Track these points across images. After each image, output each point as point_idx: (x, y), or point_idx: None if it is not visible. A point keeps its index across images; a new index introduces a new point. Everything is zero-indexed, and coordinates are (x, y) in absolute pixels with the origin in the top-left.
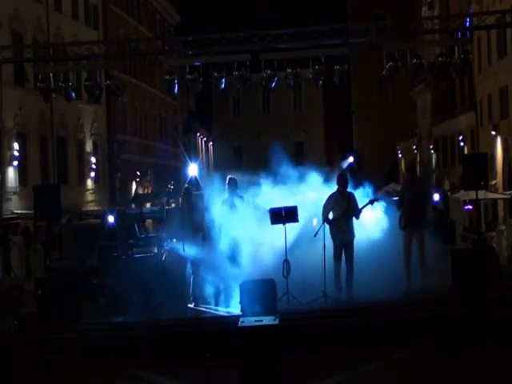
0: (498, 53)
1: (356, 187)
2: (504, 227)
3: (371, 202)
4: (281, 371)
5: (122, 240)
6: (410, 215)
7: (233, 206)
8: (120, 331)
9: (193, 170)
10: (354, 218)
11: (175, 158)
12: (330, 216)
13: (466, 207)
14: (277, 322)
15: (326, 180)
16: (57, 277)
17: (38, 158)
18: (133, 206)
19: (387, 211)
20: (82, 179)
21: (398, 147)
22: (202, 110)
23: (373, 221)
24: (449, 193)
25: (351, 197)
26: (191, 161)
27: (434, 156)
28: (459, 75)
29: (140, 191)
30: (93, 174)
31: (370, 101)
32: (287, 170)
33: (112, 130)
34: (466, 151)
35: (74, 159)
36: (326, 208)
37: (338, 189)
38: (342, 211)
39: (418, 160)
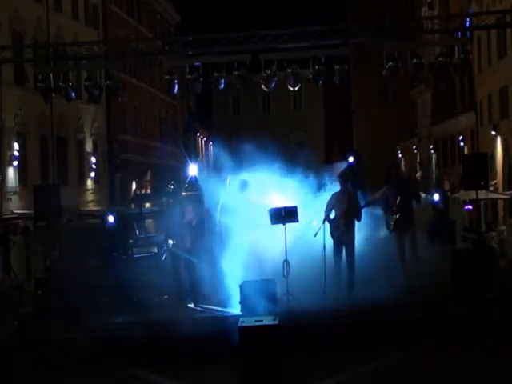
0: (498, 53)
1: (355, 187)
2: (504, 227)
3: (368, 204)
4: (281, 371)
5: (122, 240)
6: (399, 216)
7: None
8: (120, 331)
9: (193, 169)
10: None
11: (175, 158)
12: (332, 215)
13: (466, 207)
14: (277, 322)
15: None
16: (57, 277)
17: (38, 158)
18: (132, 206)
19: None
20: (82, 179)
21: (397, 147)
22: (202, 110)
23: (372, 221)
24: (449, 193)
25: (353, 196)
26: (191, 161)
27: (434, 156)
28: (459, 75)
29: (139, 191)
30: (93, 174)
31: (370, 101)
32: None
33: (112, 130)
34: (466, 151)
35: (74, 159)
36: (328, 206)
37: (340, 188)
38: (341, 211)
39: (418, 160)
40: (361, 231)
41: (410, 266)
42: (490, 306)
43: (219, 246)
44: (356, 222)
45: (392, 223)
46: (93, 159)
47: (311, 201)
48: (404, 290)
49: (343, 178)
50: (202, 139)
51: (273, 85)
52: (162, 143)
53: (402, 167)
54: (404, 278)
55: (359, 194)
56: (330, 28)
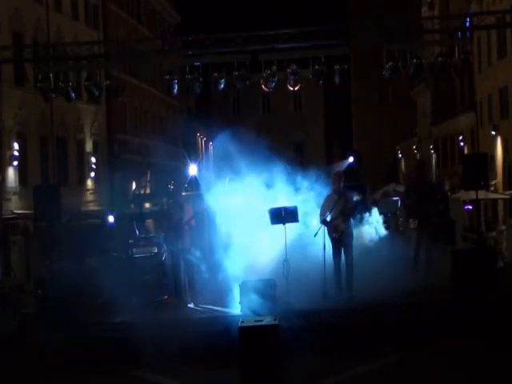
0: (498, 53)
1: (355, 187)
2: (504, 227)
3: (362, 201)
4: (281, 371)
5: (122, 240)
6: (420, 215)
7: None
8: (120, 331)
9: (193, 170)
10: (351, 219)
11: (175, 157)
12: (328, 217)
13: (466, 207)
14: (277, 322)
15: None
16: (57, 277)
17: (38, 158)
18: (132, 206)
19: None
20: (82, 179)
21: (397, 147)
22: (202, 110)
23: (372, 221)
24: (449, 193)
25: (347, 196)
26: (191, 161)
27: (434, 156)
28: (459, 75)
29: (138, 191)
30: (93, 174)
31: (370, 101)
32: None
33: (112, 130)
34: (466, 151)
35: (74, 159)
36: (324, 209)
37: (333, 188)
38: (339, 210)
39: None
40: (360, 231)
41: (422, 266)
42: (490, 306)
43: (219, 246)
44: (352, 220)
45: (412, 221)
46: (93, 159)
47: (309, 201)
48: (408, 292)
49: (337, 178)
50: (201, 139)
51: (273, 85)
52: (162, 143)
53: (402, 167)
54: (411, 278)
55: (360, 194)
56: (329, 28)
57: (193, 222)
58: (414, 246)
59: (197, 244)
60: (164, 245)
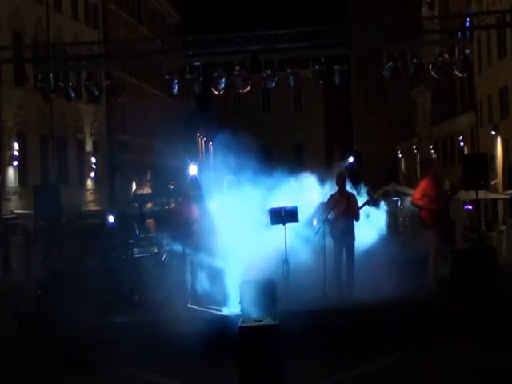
0: (498, 53)
1: (355, 187)
2: (504, 227)
3: (367, 203)
4: (281, 371)
5: (122, 240)
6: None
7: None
8: (120, 331)
9: (193, 170)
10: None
11: (175, 157)
12: (330, 216)
13: (466, 207)
14: (277, 322)
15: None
16: (57, 277)
17: (38, 157)
18: (132, 205)
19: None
20: (82, 179)
21: (397, 147)
22: (202, 110)
23: (372, 221)
24: (449, 193)
25: (351, 197)
26: (191, 161)
27: (434, 156)
28: (459, 75)
29: (138, 191)
30: (93, 174)
31: (370, 101)
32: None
33: (112, 130)
34: (466, 151)
35: (74, 159)
36: (327, 207)
37: (338, 188)
38: (340, 211)
39: (419, 160)
40: (362, 231)
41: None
42: (490, 305)
43: (218, 246)
44: (355, 221)
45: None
46: (93, 159)
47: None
48: (409, 292)
49: (341, 179)
50: (201, 139)
51: (273, 85)
52: (162, 143)
53: (401, 169)
54: (412, 278)
55: (360, 194)
56: (330, 28)
57: (198, 221)
58: (434, 245)
59: (199, 244)
60: (167, 244)
